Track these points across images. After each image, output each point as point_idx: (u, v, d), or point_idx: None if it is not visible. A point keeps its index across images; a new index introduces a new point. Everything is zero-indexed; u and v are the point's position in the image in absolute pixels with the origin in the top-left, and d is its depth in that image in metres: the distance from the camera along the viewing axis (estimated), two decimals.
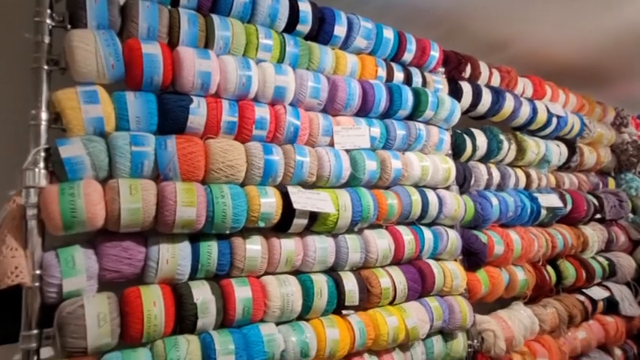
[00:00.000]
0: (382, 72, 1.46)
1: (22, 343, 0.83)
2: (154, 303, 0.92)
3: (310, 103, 1.27)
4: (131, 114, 0.99)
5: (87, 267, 0.89)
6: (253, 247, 1.10)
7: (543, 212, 1.88)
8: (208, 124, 1.08)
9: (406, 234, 1.39)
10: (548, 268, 1.87)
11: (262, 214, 1.09)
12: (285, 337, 1.08)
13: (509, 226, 1.78)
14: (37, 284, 0.85)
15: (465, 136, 1.68)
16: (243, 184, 1.12)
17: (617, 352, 2.05)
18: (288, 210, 1.13)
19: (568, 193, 2.01)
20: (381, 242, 1.32)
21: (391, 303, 1.33)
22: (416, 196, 1.42)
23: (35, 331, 0.84)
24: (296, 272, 1.19)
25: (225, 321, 1.03)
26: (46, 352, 0.87)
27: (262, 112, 1.16)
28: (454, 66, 1.70)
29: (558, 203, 1.91)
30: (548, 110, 1.96)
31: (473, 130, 1.74)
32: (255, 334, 1.04)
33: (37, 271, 0.86)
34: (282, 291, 1.10)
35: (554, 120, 1.99)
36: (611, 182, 2.43)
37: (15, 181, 0.90)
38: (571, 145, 2.12)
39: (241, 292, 1.04)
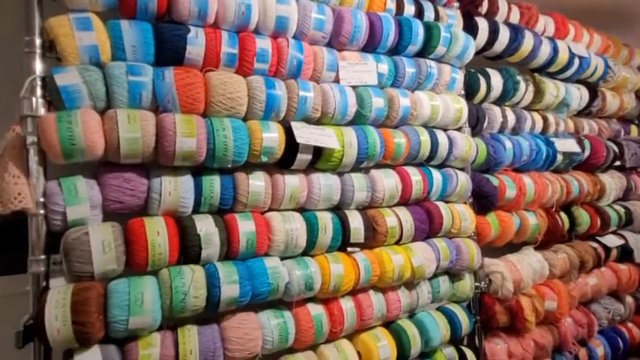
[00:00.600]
0: (391, 4, 1.38)
1: (31, 267, 0.86)
2: (157, 232, 0.93)
3: (314, 36, 1.21)
4: (127, 43, 0.96)
5: (90, 196, 0.90)
6: (257, 183, 1.09)
7: (559, 157, 1.82)
8: (207, 55, 1.04)
9: (414, 174, 1.36)
10: (562, 214, 1.83)
11: (265, 148, 1.07)
12: (290, 270, 1.09)
13: (523, 171, 1.73)
14: (41, 212, 0.87)
15: (479, 75, 1.60)
16: (245, 119, 1.09)
17: (629, 299, 2.03)
18: (292, 145, 1.11)
19: (587, 139, 1.93)
20: (387, 182, 1.29)
21: (397, 242, 1.33)
22: (425, 136, 1.38)
23: (43, 257, 0.86)
24: (301, 210, 1.19)
25: (229, 253, 1.04)
26: (56, 282, 0.89)
27: (264, 44, 1.11)
28: (470, 0, 1.60)
29: (576, 148, 1.84)
30: (570, 50, 1.85)
31: (488, 69, 1.65)
32: (260, 267, 1.05)
33: (41, 199, 0.87)
34: (286, 226, 1.10)
35: (576, 61, 1.88)
36: (634, 130, 2.32)
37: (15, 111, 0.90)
38: (593, 89, 2.02)
39: (245, 226, 1.04)
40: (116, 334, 0.87)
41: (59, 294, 0.83)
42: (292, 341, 1.10)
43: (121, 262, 0.90)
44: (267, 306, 1.11)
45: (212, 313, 0.99)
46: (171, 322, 0.97)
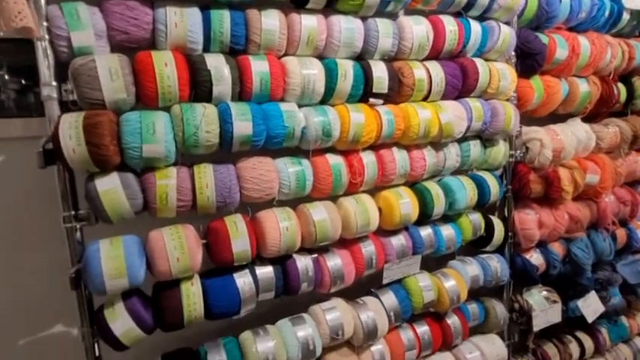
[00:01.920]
0: None
1: (43, 91, 0.86)
2: (165, 64, 0.89)
3: None
4: None
5: (93, 23, 0.85)
6: (270, 21, 1.00)
7: (625, 17, 1.57)
8: None
9: (449, 23, 1.21)
10: (619, 84, 1.63)
11: None
12: (307, 117, 1.04)
13: (580, 31, 1.52)
14: (46, 36, 0.84)
15: None
16: None
17: None
18: None
19: None
20: (417, 29, 1.16)
21: (425, 99, 1.23)
22: None
23: (54, 83, 0.86)
24: (320, 58, 1.10)
25: (242, 95, 1.00)
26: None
27: None
28: None
29: None
30: None
31: None
32: (275, 109, 1.01)
33: (45, 23, 0.84)
34: (302, 71, 1.03)
35: None
36: None
37: None
38: None
39: (258, 66, 0.98)
40: (132, 162, 0.88)
41: (72, 117, 0.83)
42: (310, 189, 1.09)
43: (131, 92, 0.88)
44: (284, 154, 1.09)
45: (226, 151, 0.98)
46: (187, 160, 0.97)
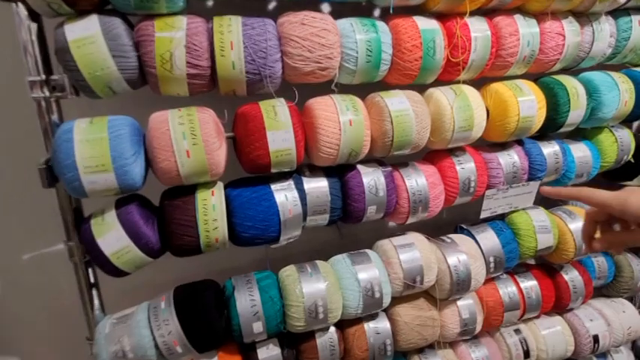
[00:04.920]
0: None
1: None
2: None
3: None
4: None
5: None
6: None
7: None
8: None
9: None
10: None
11: None
12: None
13: None
14: None
15: None
16: None
17: None
18: None
19: None
20: None
21: None
22: None
23: None
24: None
25: None
26: None
27: None
28: None
29: None
30: None
31: None
32: None
33: None
34: None
35: None
36: None
37: None
38: None
39: None
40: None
41: None
42: (387, 67, 0.73)
43: None
44: (351, 15, 0.73)
45: None
46: (204, 10, 0.65)
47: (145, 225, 0.64)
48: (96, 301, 0.73)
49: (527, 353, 0.96)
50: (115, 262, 0.64)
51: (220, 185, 0.70)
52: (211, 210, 0.66)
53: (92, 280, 0.71)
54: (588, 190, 0.53)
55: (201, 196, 0.67)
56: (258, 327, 0.70)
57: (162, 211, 0.67)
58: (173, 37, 0.60)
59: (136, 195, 0.67)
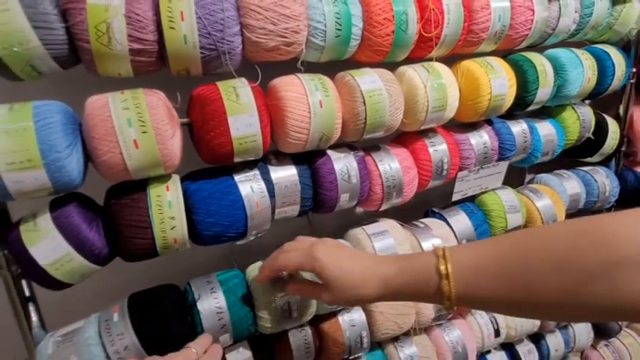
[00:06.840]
0: None
1: None
2: None
3: None
4: None
5: None
6: None
7: None
8: None
9: None
10: None
11: None
12: None
13: None
14: None
15: None
16: None
17: None
18: None
19: None
20: None
21: None
22: None
23: None
24: None
25: None
26: None
27: None
28: None
29: None
30: None
31: None
32: None
33: None
34: None
35: None
36: None
37: None
38: None
39: None
40: None
41: None
42: (357, 43, 0.67)
43: None
44: None
45: None
46: None
47: (88, 229, 0.55)
48: (34, 317, 0.63)
49: (497, 332, 0.97)
50: (53, 274, 0.54)
51: (176, 178, 0.62)
52: (167, 207, 0.58)
53: (27, 293, 0.61)
54: (282, 258, 0.56)
55: (154, 192, 0.58)
56: (225, 339, 0.64)
57: (108, 211, 0.57)
58: (109, 4, 0.50)
59: (75, 194, 0.57)
